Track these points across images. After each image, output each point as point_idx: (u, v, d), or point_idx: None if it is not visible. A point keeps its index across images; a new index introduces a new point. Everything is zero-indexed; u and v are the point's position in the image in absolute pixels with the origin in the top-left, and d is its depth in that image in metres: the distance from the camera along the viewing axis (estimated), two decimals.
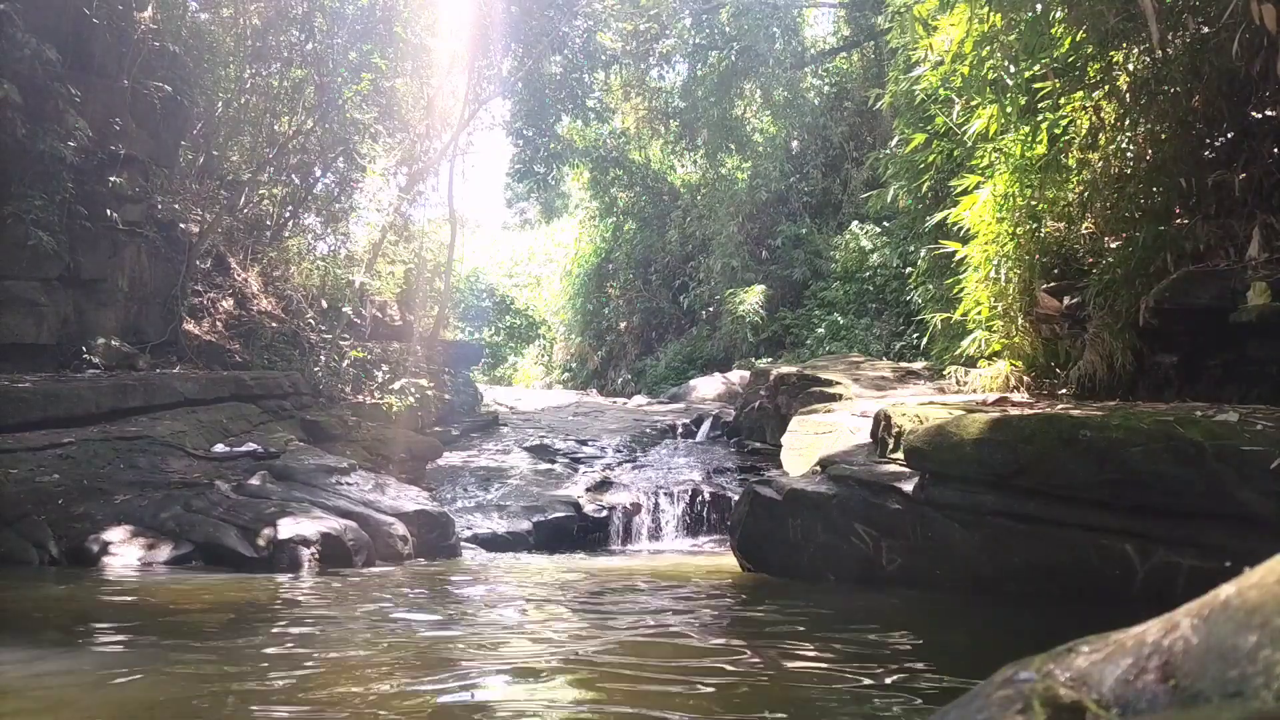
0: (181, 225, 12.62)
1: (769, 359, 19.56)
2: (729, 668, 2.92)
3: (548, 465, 13.03)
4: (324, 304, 14.24)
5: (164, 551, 5.60)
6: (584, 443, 14.94)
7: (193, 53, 12.60)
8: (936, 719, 0.72)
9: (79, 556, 5.52)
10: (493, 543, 9.13)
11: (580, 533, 10.23)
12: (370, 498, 7.20)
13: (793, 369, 13.35)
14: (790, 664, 2.96)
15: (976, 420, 4.02)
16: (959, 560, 4.08)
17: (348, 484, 7.43)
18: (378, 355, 14.69)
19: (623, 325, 25.58)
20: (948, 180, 10.25)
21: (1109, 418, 3.79)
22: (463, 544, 7.99)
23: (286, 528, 5.77)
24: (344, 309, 14.32)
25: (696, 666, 2.88)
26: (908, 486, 4.34)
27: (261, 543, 5.70)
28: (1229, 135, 6.73)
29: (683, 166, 24.79)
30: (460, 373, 16.83)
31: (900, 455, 4.63)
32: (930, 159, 10.63)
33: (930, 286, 12.19)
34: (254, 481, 6.80)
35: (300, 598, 4.44)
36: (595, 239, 26.48)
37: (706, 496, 11.26)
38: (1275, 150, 6.42)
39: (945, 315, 9.25)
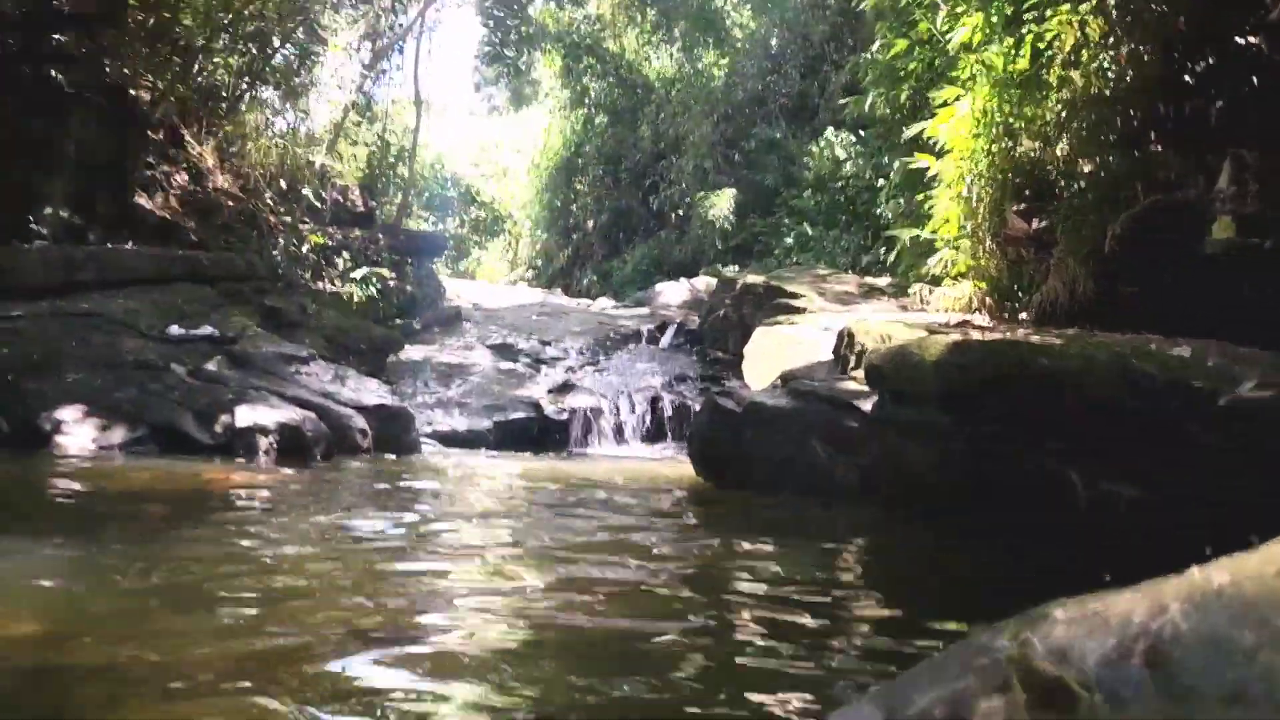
0: (132, 92, 12.03)
1: (736, 267, 19.50)
2: (669, 588, 3.00)
3: (510, 364, 13.01)
4: (283, 185, 13.79)
5: (118, 433, 5.53)
6: (547, 343, 14.91)
7: None
8: (906, 681, 0.73)
9: (30, 434, 5.43)
10: (453, 439, 9.17)
11: (540, 433, 10.30)
12: (330, 389, 7.15)
13: (759, 279, 13.34)
14: (741, 588, 3.03)
15: (938, 342, 4.05)
16: (913, 479, 4.17)
17: (307, 373, 7.36)
18: (339, 242, 14.38)
19: (590, 224, 25.23)
20: (927, 90, 10.08)
21: (1067, 347, 3.84)
22: (423, 440, 8.00)
23: (244, 415, 5.73)
24: (304, 191, 13.93)
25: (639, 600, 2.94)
26: (866, 405, 4.40)
27: (219, 429, 5.66)
28: (1210, 60, 6.67)
29: (658, 59, 24.06)
30: (423, 264, 16.57)
31: (861, 373, 4.68)
32: (911, 67, 10.42)
33: (901, 201, 12.13)
34: (211, 367, 6.71)
35: (256, 494, 4.43)
36: (565, 131, 25.80)
37: (667, 404, 11.36)
38: (1254, 80, 6.38)
39: (914, 232, 9.23)
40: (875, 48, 11.98)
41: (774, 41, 20.57)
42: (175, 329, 7.88)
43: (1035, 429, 3.82)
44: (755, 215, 19.91)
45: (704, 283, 18.92)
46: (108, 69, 11.16)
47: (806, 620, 2.48)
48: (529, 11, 18.49)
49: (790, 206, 19.23)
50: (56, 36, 9.42)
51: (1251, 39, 6.22)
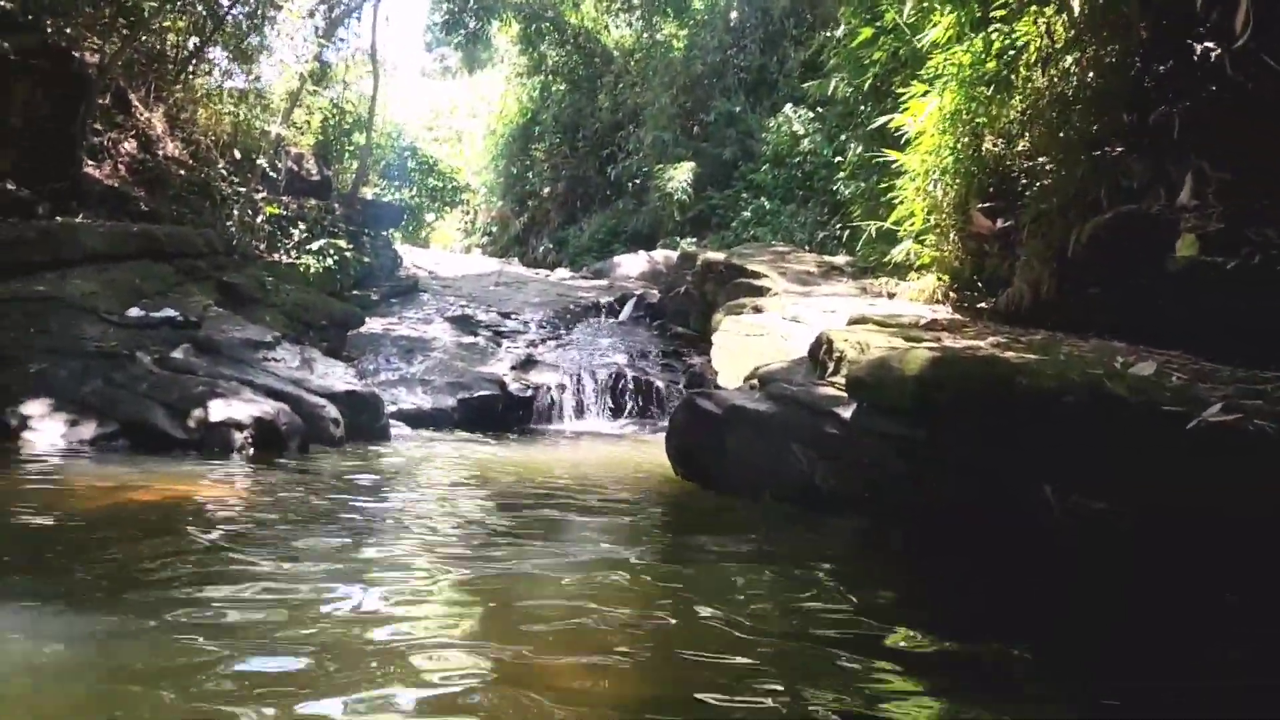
0: (77, 55, 11.57)
1: (694, 239, 19.57)
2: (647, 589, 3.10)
3: (471, 338, 12.97)
4: (236, 154, 13.43)
5: (88, 429, 5.43)
6: (507, 315, 14.87)
7: None
8: None
9: None
10: (418, 419, 9.16)
11: (505, 410, 10.33)
12: (299, 375, 7.09)
13: (720, 256, 13.43)
14: (716, 599, 3.15)
15: (918, 356, 4.18)
16: (891, 488, 4.32)
17: (275, 359, 7.28)
18: (294, 212, 14.10)
19: (546, 191, 25.05)
20: (890, 78, 10.20)
21: (1043, 365, 4.00)
22: (390, 421, 7.98)
23: (218, 409, 5.66)
24: (258, 160, 13.58)
25: (623, 598, 3.03)
26: (846, 412, 4.53)
27: (192, 424, 5.59)
28: (1170, 66, 6.86)
29: (617, 29, 23.82)
30: (380, 234, 16.34)
31: (840, 379, 4.80)
32: (876, 55, 10.51)
33: (861, 183, 12.29)
34: (177, 355, 6.59)
35: (233, 498, 4.42)
36: (522, 98, 25.49)
37: (629, 380, 11.46)
38: (1212, 89, 6.59)
39: (879, 224, 9.38)
40: (840, 32, 12.05)
41: (734, 15, 20.49)
42: (135, 311, 7.71)
43: (1009, 443, 3.98)
44: (713, 188, 19.97)
45: (663, 255, 18.98)
46: (51, 32, 10.72)
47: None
48: None
49: (748, 180, 19.31)
50: (1, 3, 9.00)
51: (1211, 50, 6.41)
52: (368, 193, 18.07)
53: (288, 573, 3.07)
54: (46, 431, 5.37)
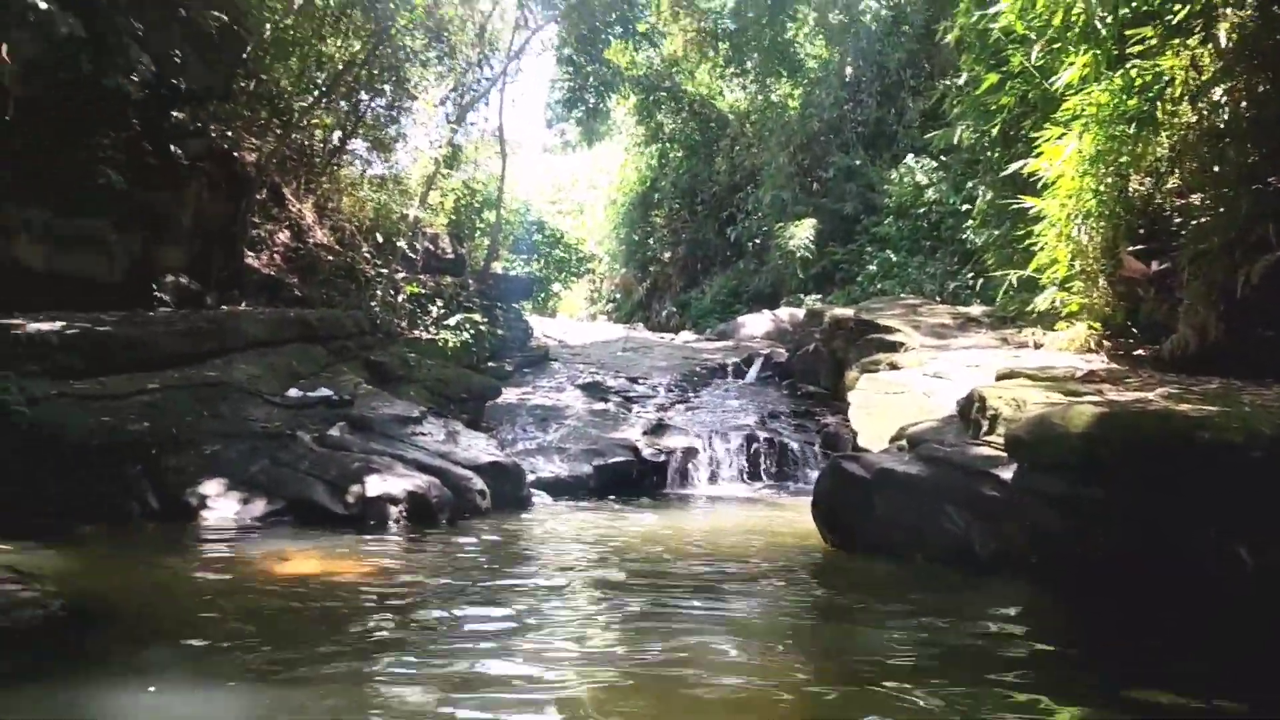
0: (237, 155, 12.62)
1: (818, 295, 19.40)
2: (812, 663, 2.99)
3: (602, 404, 13.14)
4: (378, 237, 14.25)
5: (258, 507, 5.76)
6: (635, 380, 15.02)
7: None
8: None
9: (177, 510, 5.70)
10: (556, 487, 9.29)
11: (639, 476, 10.37)
12: (445, 449, 7.33)
13: (849, 312, 13.23)
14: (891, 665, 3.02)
15: (1082, 413, 3.97)
16: (1057, 550, 4.09)
17: (422, 434, 7.56)
18: (431, 289, 14.78)
19: (667, 256, 25.41)
20: (1019, 121, 9.93)
21: (1225, 418, 3.73)
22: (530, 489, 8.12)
23: (374, 485, 5.91)
24: (398, 242, 14.36)
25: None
26: (1006, 473, 4.33)
27: (350, 499, 5.85)
28: None
29: (731, 92, 24.20)
30: (511, 307, 16.89)
31: (995, 439, 4.60)
32: (1003, 101, 10.26)
33: (994, 231, 11.93)
34: (334, 433, 6.94)
35: (393, 572, 4.58)
36: (641, 166, 26.12)
37: (762, 442, 11.33)
38: None
39: (1018, 273, 9.05)
40: (962, 80, 11.86)
41: (849, 70, 20.51)
42: (293, 392, 8.19)
43: (1197, 502, 3.72)
44: (835, 243, 19.81)
45: (787, 313, 18.87)
46: (215, 136, 11.74)
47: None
48: (605, 55, 18.78)
49: (872, 234, 19.07)
50: (175, 114, 9.93)
51: None
52: (498, 267, 18.79)
53: (445, 650, 3.14)
54: (222, 509, 5.73)
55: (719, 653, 3.17)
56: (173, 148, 10.09)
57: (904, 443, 5.21)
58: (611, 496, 9.38)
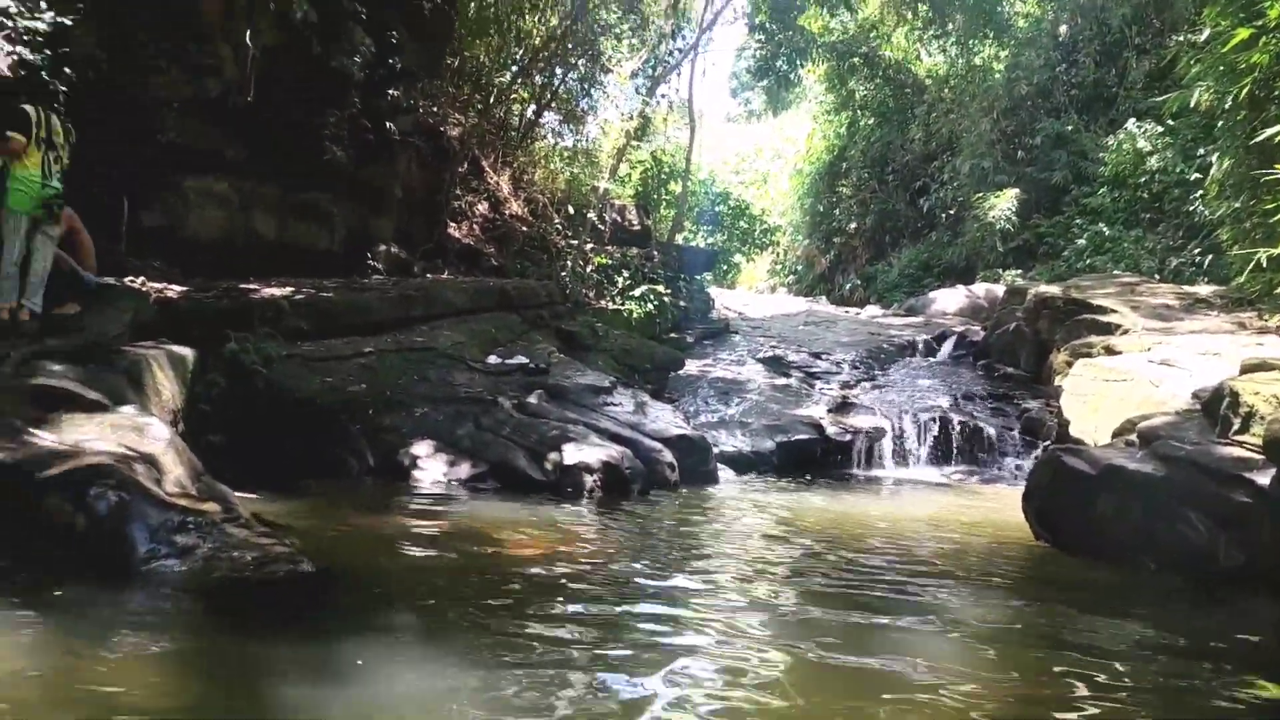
0: (442, 130, 13.25)
1: (1018, 271, 18.23)
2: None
3: (784, 380, 12.94)
4: (570, 209, 14.59)
5: (463, 469, 6.07)
6: (818, 356, 14.69)
7: None
8: None
9: (390, 468, 6.10)
10: (739, 462, 9.24)
11: (823, 455, 10.15)
12: (634, 420, 7.44)
13: (1056, 290, 12.34)
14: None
15: None
16: None
17: (613, 404, 7.71)
18: (618, 260, 15.02)
19: (853, 227, 24.61)
20: (1272, 82, 8.82)
21: None
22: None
23: (571, 454, 6.08)
24: (588, 214, 14.66)
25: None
26: (1262, 478, 3.88)
27: (548, 466, 6.05)
28: None
29: (930, 56, 23.00)
30: (693, 278, 16.92)
31: (1250, 439, 4.13)
32: (1254, 59, 9.14)
33: (1233, 204, 10.72)
34: (532, 400, 7.19)
35: (593, 542, 4.67)
36: (829, 135, 25.35)
37: (955, 425, 10.80)
38: None
39: (1269, 250, 8.10)
40: (1203, 36, 10.66)
41: (1063, 29, 18.97)
42: (493, 358, 8.54)
43: None
44: (1040, 215, 18.51)
45: (983, 289, 17.85)
46: (422, 113, 12.36)
47: None
48: (798, 21, 18.28)
49: (1082, 205, 17.68)
50: (391, 91, 10.50)
51: None
52: (681, 239, 18.85)
53: (649, 630, 3.16)
54: (431, 470, 6.06)
55: (914, 652, 3.03)
56: (388, 124, 10.68)
57: (1133, 438, 4.78)
58: (795, 474, 9.23)
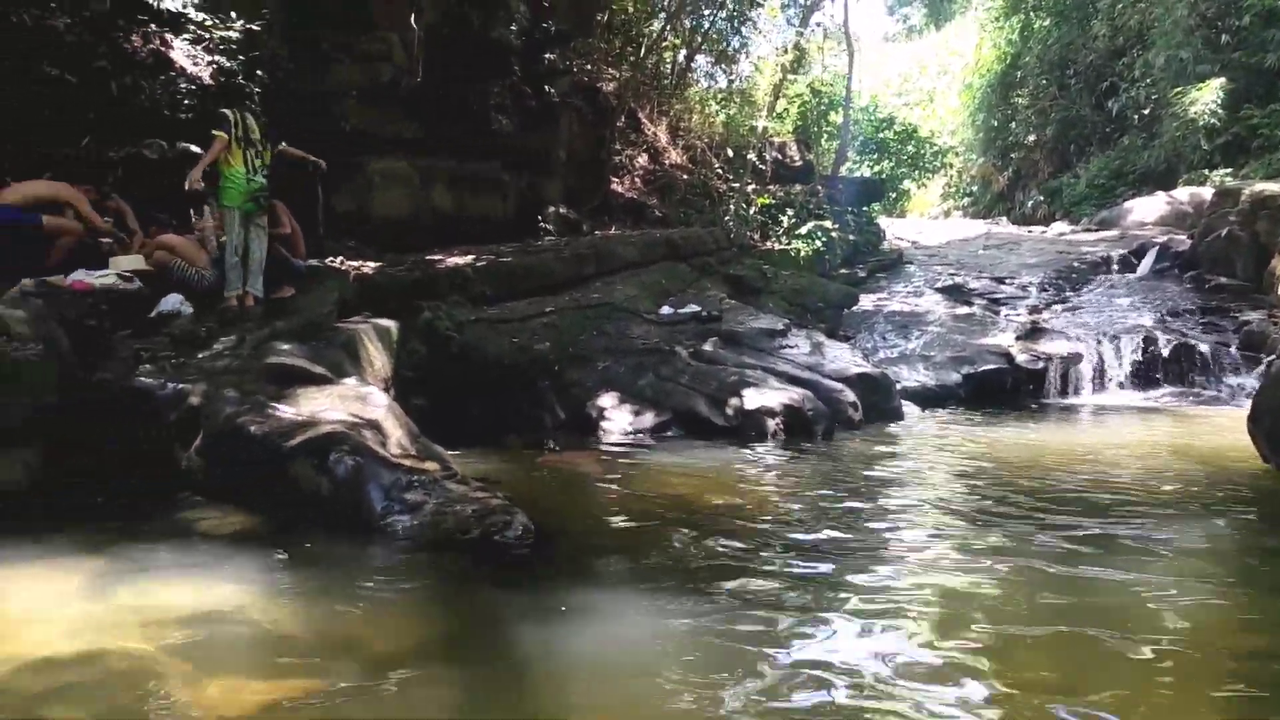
0: (598, 87, 13.38)
1: (1227, 170, 16.51)
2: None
3: (965, 309, 12.40)
4: (729, 152, 14.44)
5: (647, 419, 6.25)
6: (1001, 280, 13.96)
7: None
8: None
9: (580, 421, 6.36)
10: (923, 397, 8.98)
11: (1013, 385, 9.71)
12: (812, 361, 7.39)
13: (1276, 187, 11.12)
14: None
15: None
16: None
17: (788, 346, 7.68)
18: (781, 199, 14.77)
19: (1032, 139, 22.98)
20: None
21: None
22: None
23: (751, 398, 6.13)
24: (748, 155, 14.46)
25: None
26: None
27: (730, 412, 6.12)
28: None
29: None
30: (861, 210, 16.39)
31: None
32: None
33: None
34: (707, 348, 7.27)
35: (783, 486, 4.70)
36: (1000, 43, 23.64)
37: (1161, 344, 10.04)
38: None
39: None
40: None
41: None
42: (665, 309, 8.67)
43: None
44: (1252, 105, 16.61)
45: (1187, 193, 16.32)
46: (577, 72, 12.52)
47: None
48: None
49: None
50: (548, 55, 10.71)
51: None
52: (846, 170, 18.25)
53: (848, 582, 3.18)
54: (618, 420, 6.28)
55: (1134, 598, 2.90)
56: (547, 88, 10.92)
57: None
58: (984, 407, 8.88)
